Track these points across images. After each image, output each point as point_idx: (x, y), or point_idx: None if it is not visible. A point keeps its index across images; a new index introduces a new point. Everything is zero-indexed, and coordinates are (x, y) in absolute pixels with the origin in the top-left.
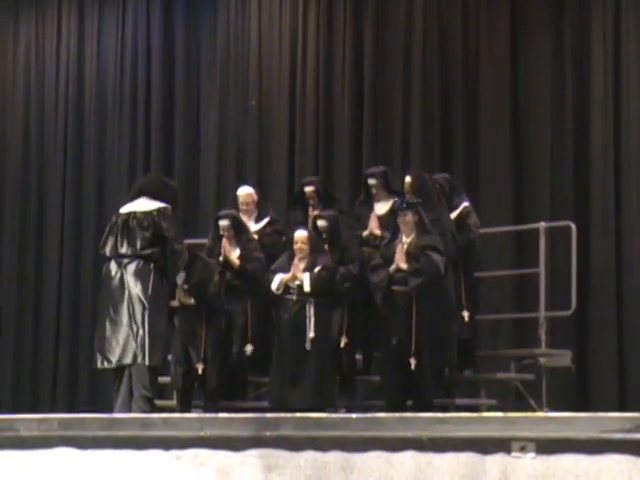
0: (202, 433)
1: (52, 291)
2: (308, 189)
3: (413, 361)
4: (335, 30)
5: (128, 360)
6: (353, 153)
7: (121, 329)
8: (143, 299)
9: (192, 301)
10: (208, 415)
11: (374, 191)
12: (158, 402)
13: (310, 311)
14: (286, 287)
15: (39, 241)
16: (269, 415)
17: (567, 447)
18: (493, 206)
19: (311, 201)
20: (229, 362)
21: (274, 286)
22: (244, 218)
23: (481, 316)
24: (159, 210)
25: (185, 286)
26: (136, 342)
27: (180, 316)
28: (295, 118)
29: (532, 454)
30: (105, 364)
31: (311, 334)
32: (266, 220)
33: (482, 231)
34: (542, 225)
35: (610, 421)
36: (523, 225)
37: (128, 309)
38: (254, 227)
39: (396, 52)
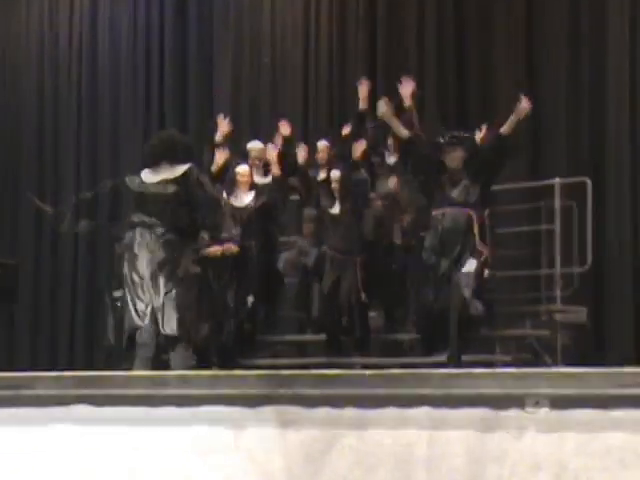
0: (216, 390)
1: (69, 257)
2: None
3: None
4: None
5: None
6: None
7: (149, 298)
8: (172, 267)
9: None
10: (222, 372)
11: None
12: None
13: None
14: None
15: (56, 206)
16: (284, 372)
17: (582, 402)
18: (508, 163)
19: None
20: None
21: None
22: (254, 171)
23: (496, 272)
24: (186, 173)
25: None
26: (162, 311)
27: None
28: (309, 75)
29: (546, 409)
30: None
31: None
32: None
33: (497, 188)
34: (557, 181)
35: (625, 376)
36: (539, 181)
37: (156, 278)
38: (262, 180)
39: (410, 6)
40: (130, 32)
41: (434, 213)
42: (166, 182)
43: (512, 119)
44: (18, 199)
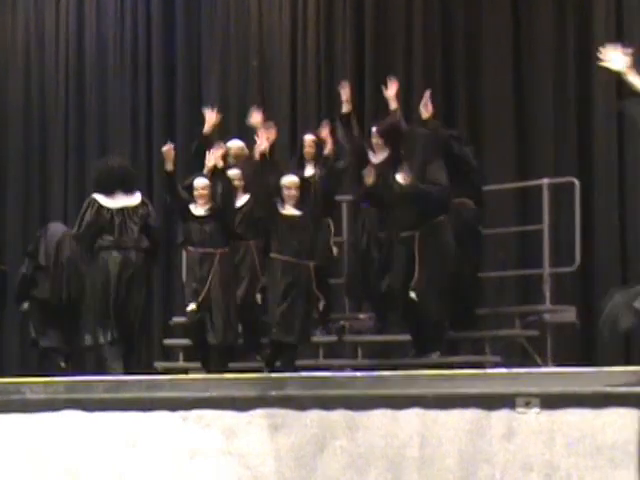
0: (208, 394)
1: None
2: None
3: None
4: None
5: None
6: (355, 112)
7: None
8: (140, 285)
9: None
10: (213, 376)
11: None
12: (164, 364)
13: None
14: None
15: (43, 203)
16: (274, 375)
17: (572, 402)
18: (496, 163)
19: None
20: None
21: None
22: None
23: (485, 273)
24: (144, 203)
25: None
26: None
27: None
28: (296, 77)
29: (537, 409)
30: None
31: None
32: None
33: (486, 188)
34: (545, 181)
35: (614, 375)
36: (526, 182)
37: (128, 295)
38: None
39: (397, 6)
40: (117, 40)
41: None
42: (127, 209)
43: None
44: (5, 204)
